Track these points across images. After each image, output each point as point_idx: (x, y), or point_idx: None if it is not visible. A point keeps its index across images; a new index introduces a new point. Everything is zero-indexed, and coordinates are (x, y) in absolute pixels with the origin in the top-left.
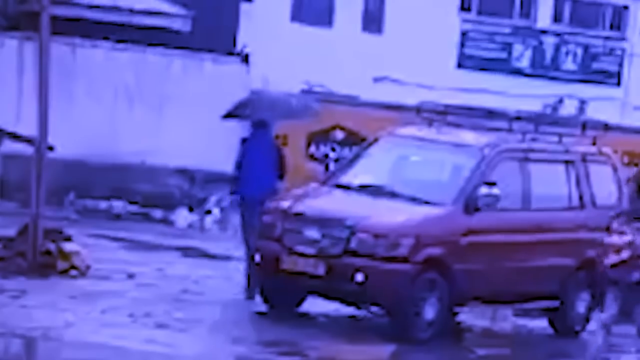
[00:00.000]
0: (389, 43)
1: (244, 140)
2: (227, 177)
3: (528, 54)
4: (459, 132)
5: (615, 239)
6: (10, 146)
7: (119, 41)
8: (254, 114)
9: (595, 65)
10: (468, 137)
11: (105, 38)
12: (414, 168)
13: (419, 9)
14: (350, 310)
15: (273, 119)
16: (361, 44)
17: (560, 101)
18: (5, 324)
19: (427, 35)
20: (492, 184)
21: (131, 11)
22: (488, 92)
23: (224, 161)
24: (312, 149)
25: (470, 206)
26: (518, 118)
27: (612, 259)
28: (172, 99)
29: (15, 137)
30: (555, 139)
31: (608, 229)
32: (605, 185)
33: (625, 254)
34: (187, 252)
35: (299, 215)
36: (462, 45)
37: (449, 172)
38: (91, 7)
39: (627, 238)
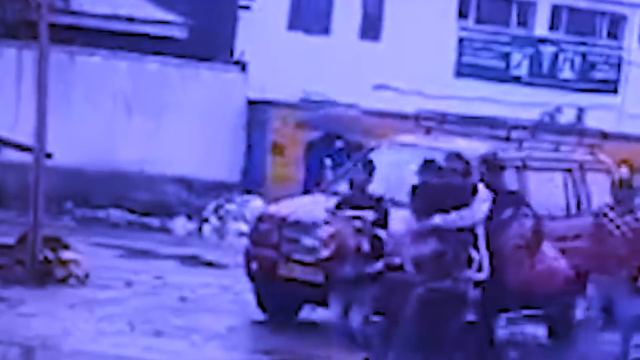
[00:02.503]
0: (387, 51)
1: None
2: (224, 185)
3: (526, 62)
4: (457, 140)
5: None
6: (8, 154)
7: (117, 49)
8: None
9: (593, 74)
10: (466, 145)
11: (104, 46)
12: (412, 176)
13: (417, 17)
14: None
15: None
16: (359, 52)
17: (558, 109)
18: (4, 332)
19: (425, 43)
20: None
21: (129, 19)
22: (486, 100)
23: (222, 169)
24: (310, 157)
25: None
26: (516, 126)
27: None
28: (170, 107)
29: (13, 145)
30: (553, 147)
31: None
32: (603, 193)
33: None
34: (186, 260)
35: (296, 223)
36: (460, 53)
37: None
38: (89, 15)
39: None
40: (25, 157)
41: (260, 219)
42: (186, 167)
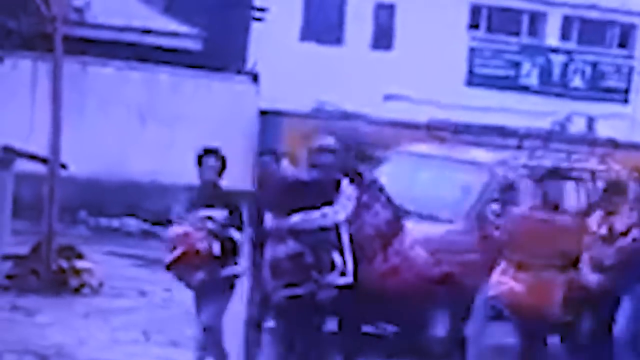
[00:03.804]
0: (398, 60)
1: None
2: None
3: (536, 71)
4: (469, 149)
5: None
6: (23, 165)
7: (131, 60)
8: None
9: (604, 83)
10: (478, 154)
11: (118, 57)
12: (424, 185)
13: (428, 26)
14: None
15: None
16: (371, 62)
17: (569, 118)
18: (19, 341)
19: (436, 53)
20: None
21: (143, 31)
22: (497, 110)
23: (234, 179)
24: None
25: (481, 223)
26: (527, 135)
27: None
28: (183, 118)
29: (28, 156)
30: (564, 156)
31: None
32: None
33: None
34: None
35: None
36: (471, 62)
37: (459, 190)
38: (104, 27)
39: None
40: (40, 168)
41: None
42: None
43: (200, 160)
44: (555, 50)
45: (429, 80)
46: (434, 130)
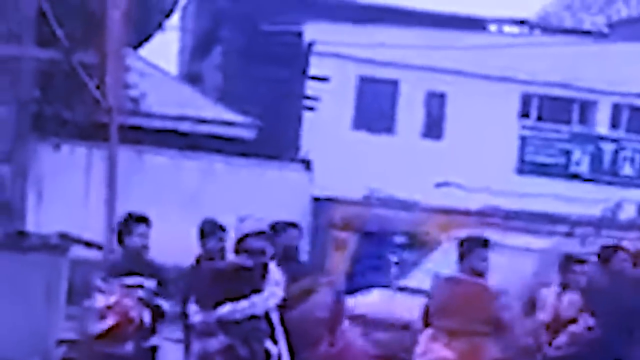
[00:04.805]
0: (449, 149)
1: None
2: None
3: (587, 159)
4: (520, 236)
5: None
6: (78, 251)
7: (185, 149)
8: None
9: None
10: (529, 241)
11: (172, 146)
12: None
13: (479, 115)
14: None
15: None
16: (422, 150)
17: (619, 205)
18: None
19: (488, 141)
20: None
21: (197, 120)
22: (548, 197)
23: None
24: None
25: (531, 309)
26: (578, 222)
27: None
28: (236, 205)
29: (83, 242)
30: (616, 242)
31: None
32: None
33: None
34: None
35: (361, 317)
36: (522, 150)
37: (510, 276)
38: (158, 116)
39: None
40: (95, 254)
41: None
42: None
43: (128, 226)
44: (605, 138)
45: (480, 168)
46: (485, 217)
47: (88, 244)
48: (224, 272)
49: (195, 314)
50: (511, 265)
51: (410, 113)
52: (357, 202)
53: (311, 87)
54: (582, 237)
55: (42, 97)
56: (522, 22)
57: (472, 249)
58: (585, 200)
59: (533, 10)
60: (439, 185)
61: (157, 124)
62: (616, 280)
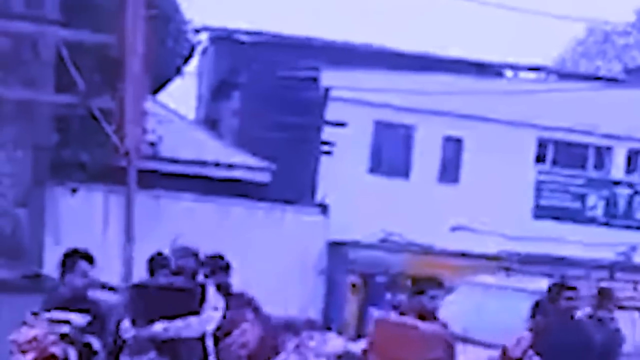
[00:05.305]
0: (465, 193)
1: None
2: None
3: (602, 204)
4: (536, 280)
5: None
6: (95, 294)
7: (202, 193)
8: None
9: None
10: (544, 284)
11: (189, 190)
12: (490, 315)
13: (495, 160)
14: None
15: None
16: (437, 194)
17: (634, 249)
18: None
19: (503, 186)
20: None
21: (214, 164)
22: (563, 241)
23: (303, 307)
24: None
25: None
26: (592, 266)
27: None
28: (254, 249)
29: (100, 285)
30: (631, 286)
31: None
32: None
33: None
34: None
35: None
36: (538, 195)
37: (525, 319)
38: (175, 160)
39: None
40: (112, 297)
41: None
42: (269, 306)
43: (71, 262)
44: (620, 183)
45: (496, 213)
46: (501, 262)
47: (105, 287)
48: (160, 291)
49: (128, 330)
50: (526, 309)
51: (426, 158)
52: (373, 245)
53: (328, 132)
54: (596, 281)
55: (60, 141)
56: (538, 69)
57: (424, 288)
58: (600, 244)
59: (550, 57)
60: (454, 229)
61: (174, 168)
62: (562, 319)
